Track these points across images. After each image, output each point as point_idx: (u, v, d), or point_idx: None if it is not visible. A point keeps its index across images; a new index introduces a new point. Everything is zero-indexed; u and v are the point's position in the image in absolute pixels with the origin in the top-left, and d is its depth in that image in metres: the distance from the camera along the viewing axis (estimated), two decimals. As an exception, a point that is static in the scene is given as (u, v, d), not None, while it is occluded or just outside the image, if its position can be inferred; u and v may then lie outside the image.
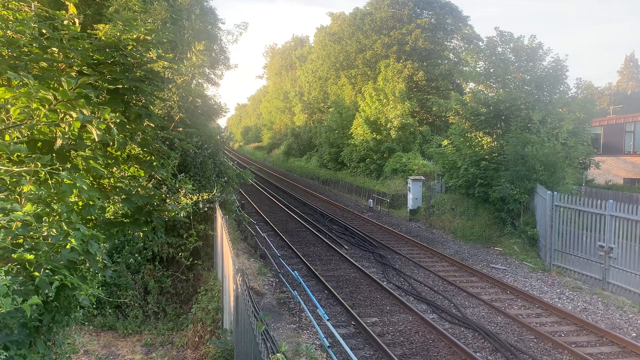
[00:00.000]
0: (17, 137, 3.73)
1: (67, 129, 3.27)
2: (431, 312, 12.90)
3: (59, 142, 3.24)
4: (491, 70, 24.33)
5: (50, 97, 3.15)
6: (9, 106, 3.22)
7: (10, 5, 4.58)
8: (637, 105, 55.15)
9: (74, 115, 3.19)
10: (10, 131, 3.20)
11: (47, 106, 3.19)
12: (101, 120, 3.34)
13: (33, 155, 3.24)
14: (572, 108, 22.39)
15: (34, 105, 3.22)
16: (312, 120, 61.09)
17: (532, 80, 23.25)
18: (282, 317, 12.14)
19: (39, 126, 3.24)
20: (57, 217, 3.48)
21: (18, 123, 3.17)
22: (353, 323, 11.98)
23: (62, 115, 3.30)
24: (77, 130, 3.34)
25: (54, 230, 3.38)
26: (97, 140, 3.33)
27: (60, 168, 3.55)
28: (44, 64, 4.39)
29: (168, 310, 11.57)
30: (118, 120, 3.64)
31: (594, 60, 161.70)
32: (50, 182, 3.30)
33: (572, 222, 16.33)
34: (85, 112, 3.23)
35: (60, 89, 3.24)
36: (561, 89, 23.26)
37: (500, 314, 12.80)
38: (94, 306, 10.78)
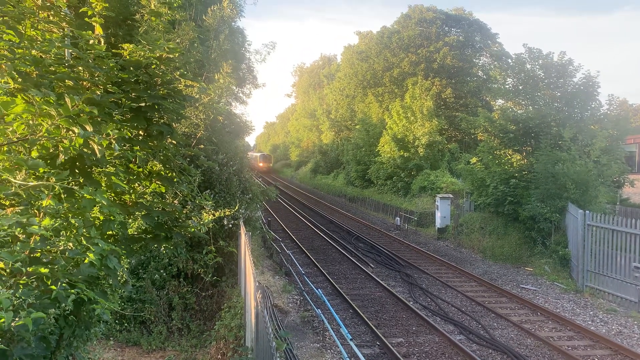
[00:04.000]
0: (42, 152, 3.82)
1: (68, 144, 3.33)
2: (458, 333, 12.61)
3: (61, 157, 3.30)
4: (520, 87, 24.04)
5: (54, 112, 3.22)
6: (15, 122, 3.30)
7: (39, 27, 4.74)
8: (674, 122, 53.48)
9: (76, 130, 3.25)
10: (14, 146, 3.28)
11: (49, 121, 3.26)
12: (103, 136, 3.39)
13: (52, 171, 3.31)
14: (604, 125, 21.89)
15: (38, 120, 3.30)
16: (339, 137, 61.25)
17: (562, 97, 22.85)
18: (305, 336, 12.03)
19: (41, 141, 3.30)
20: (75, 231, 3.53)
21: (21, 138, 3.24)
22: (378, 343, 11.79)
23: (64, 130, 3.36)
24: (78, 146, 3.40)
25: (71, 244, 3.42)
26: (98, 156, 3.38)
27: (73, 183, 3.60)
28: (70, 83, 4.51)
29: (192, 326, 11.59)
30: (133, 136, 3.67)
31: (630, 77, 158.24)
32: (63, 196, 3.35)
33: (606, 242, 15.82)
34: (88, 128, 3.29)
35: (63, 104, 3.31)
36: (593, 105, 22.79)
37: (530, 336, 12.42)
38: (116, 321, 10.89)
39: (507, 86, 24.93)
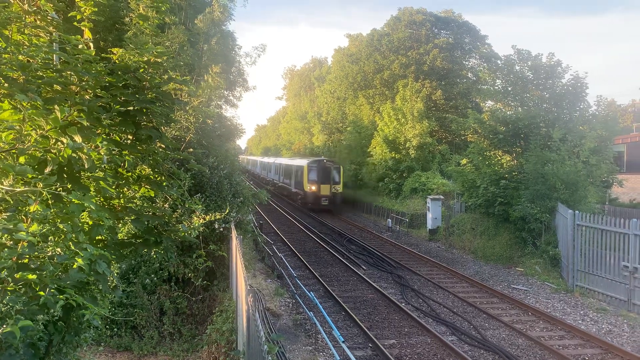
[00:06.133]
0: (30, 160, 3.80)
1: (57, 154, 3.32)
2: (450, 334, 12.65)
3: (49, 168, 3.29)
4: (509, 89, 24.21)
5: (43, 123, 3.22)
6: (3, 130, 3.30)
7: (26, 31, 4.71)
8: (661, 122, 53.97)
9: (65, 141, 3.24)
10: (3, 155, 3.27)
11: (39, 131, 3.25)
12: (92, 147, 3.39)
13: (40, 176, 3.30)
14: (593, 126, 22.11)
15: (27, 129, 3.29)
16: (330, 140, 61.30)
17: (551, 97, 23.05)
18: (298, 339, 12.02)
19: (30, 151, 3.29)
20: (64, 236, 3.51)
21: (9, 149, 3.23)
22: (370, 345, 11.80)
23: (53, 141, 3.36)
24: (67, 156, 3.39)
25: (59, 249, 3.41)
26: (86, 166, 3.37)
27: (61, 188, 3.59)
28: (57, 87, 4.49)
29: (183, 331, 11.53)
30: (122, 141, 3.66)
31: (617, 78, 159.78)
32: (50, 202, 3.33)
33: (595, 242, 15.96)
34: (76, 139, 3.28)
35: (52, 115, 3.30)
36: (581, 106, 23.02)
37: (522, 336, 12.48)
38: (106, 326, 10.81)
39: (497, 87, 25.11)
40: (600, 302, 15.25)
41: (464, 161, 26.34)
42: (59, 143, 3.35)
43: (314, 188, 37.62)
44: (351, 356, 10.25)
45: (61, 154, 3.29)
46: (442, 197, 28.46)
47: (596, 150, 21.48)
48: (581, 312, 14.55)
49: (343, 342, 11.09)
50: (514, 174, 22.47)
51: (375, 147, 40.43)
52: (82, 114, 3.74)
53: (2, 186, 3.16)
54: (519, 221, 20.60)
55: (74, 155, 3.78)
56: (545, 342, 11.89)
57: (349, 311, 13.94)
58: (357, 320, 13.20)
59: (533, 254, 20.03)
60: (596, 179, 21.46)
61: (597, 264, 15.90)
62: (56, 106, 3.28)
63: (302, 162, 40.91)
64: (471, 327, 13.15)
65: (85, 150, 3.27)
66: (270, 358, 4.86)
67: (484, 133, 24.09)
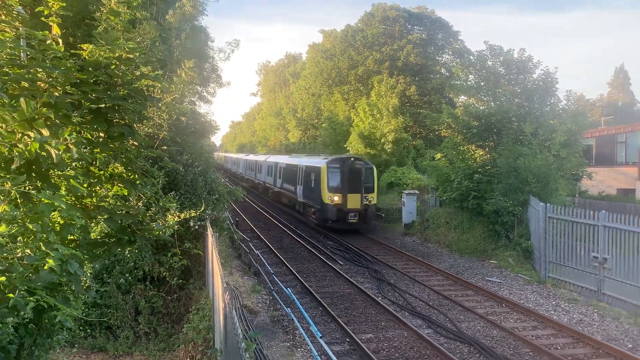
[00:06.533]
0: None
1: (23, 149, 3.24)
2: (426, 327, 12.79)
3: (16, 163, 3.21)
4: (482, 84, 24.51)
5: (8, 117, 3.13)
6: None
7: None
8: (627, 116, 55.54)
9: (32, 135, 3.17)
10: None
11: (4, 126, 3.17)
12: (60, 141, 3.31)
13: (7, 175, 3.21)
14: (563, 120, 22.57)
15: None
16: (306, 136, 61.32)
17: (522, 92, 23.42)
18: (275, 336, 12.00)
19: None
20: (33, 237, 3.43)
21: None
22: (348, 340, 11.85)
23: (19, 135, 3.28)
24: (34, 151, 3.31)
25: (29, 250, 3.33)
26: (55, 161, 3.30)
27: (30, 187, 3.51)
28: (25, 84, 4.37)
29: (159, 330, 11.41)
30: (93, 139, 3.59)
31: (585, 73, 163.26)
32: (19, 201, 3.25)
33: (566, 234, 16.31)
34: (44, 132, 3.21)
35: (19, 109, 3.22)
36: (552, 101, 23.46)
37: (496, 327, 12.70)
38: (80, 328, 10.63)
39: (470, 83, 25.41)
40: (571, 293, 15.61)
41: (438, 156, 26.60)
42: (26, 137, 3.26)
43: (337, 199, 26.65)
44: (329, 351, 10.30)
45: (28, 148, 3.20)
46: (417, 191, 28.69)
47: (566, 144, 21.94)
48: (553, 302, 14.87)
49: (321, 337, 11.12)
50: (487, 168, 22.78)
51: (352, 143, 40.57)
52: (50, 110, 3.65)
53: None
54: (492, 214, 20.91)
55: (42, 153, 3.70)
56: (519, 333, 12.12)
57: (326, 307, 13.97)
58: (335, 315, 13.25)
59: (506, 247, 20.38)
60: (567, 172, 21.93)
61: (568, 255, 16.26)
62: (22, 99, 3.19)
63: (317, 161, 29.56)
64: (447, 319, 13.32)
65: (53, 144, 3.19)
66: (247, 355, 4.83)
67: (457, 128, 24.37)
